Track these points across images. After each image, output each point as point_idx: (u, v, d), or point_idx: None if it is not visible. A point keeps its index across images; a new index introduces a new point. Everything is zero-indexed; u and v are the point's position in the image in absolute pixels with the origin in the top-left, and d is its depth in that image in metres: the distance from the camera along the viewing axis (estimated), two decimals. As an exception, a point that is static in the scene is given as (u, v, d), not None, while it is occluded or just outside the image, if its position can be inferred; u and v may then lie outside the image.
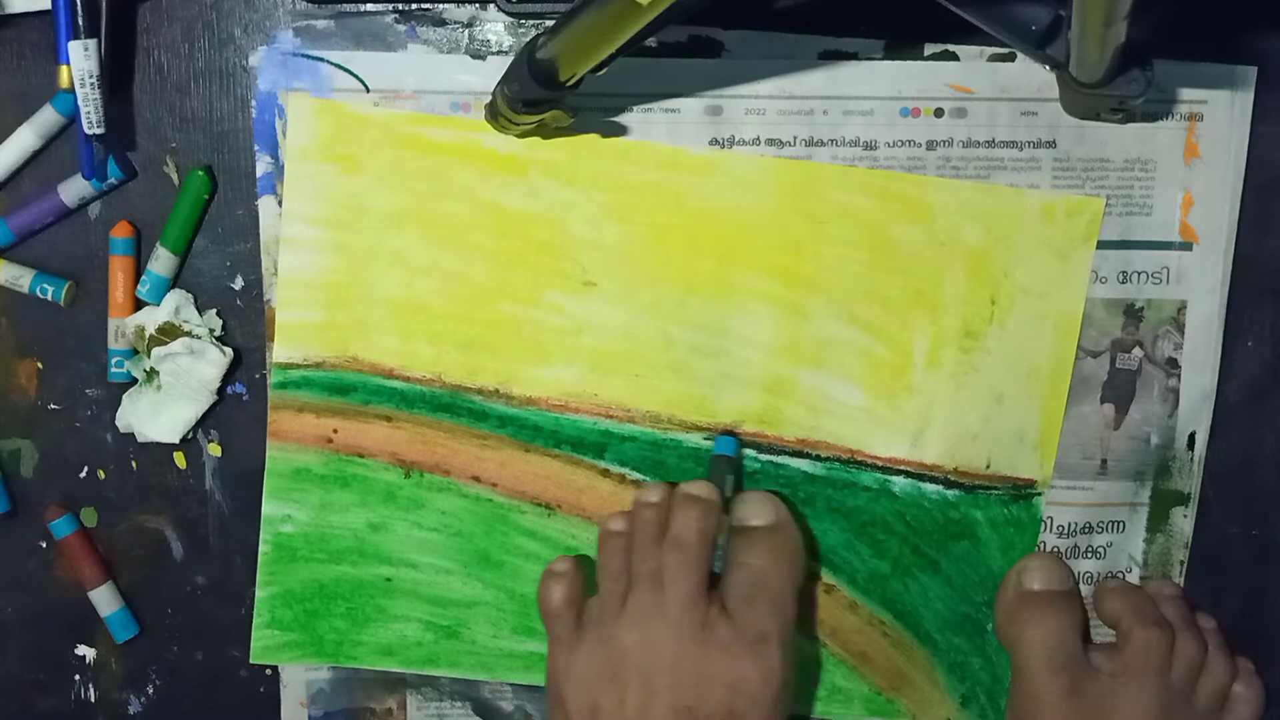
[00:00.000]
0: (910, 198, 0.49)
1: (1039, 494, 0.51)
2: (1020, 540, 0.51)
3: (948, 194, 0.49)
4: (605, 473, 0.51)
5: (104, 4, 0.46)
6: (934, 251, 0.49)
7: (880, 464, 0.51)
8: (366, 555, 0.51)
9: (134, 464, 0.52)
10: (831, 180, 0.49)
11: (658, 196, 0.49)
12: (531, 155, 0.49)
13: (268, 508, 0.51)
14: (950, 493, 0.51)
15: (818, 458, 0.51)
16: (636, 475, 0.51)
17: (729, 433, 0.50)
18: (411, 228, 0.49)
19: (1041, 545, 0.52)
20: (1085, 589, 0.52)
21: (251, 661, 0.53)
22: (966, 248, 0.49)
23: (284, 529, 0.51)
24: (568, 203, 0.49)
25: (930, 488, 0.51)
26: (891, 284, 0.50)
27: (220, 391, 0.51)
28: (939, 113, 0.49)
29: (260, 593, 0.52)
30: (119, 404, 0.51)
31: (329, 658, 0.52)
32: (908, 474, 0.51)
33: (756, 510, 0.49)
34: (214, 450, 0.52)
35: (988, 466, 0.51)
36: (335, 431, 0.50)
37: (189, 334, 0.50)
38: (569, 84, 0.42)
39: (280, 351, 0.50)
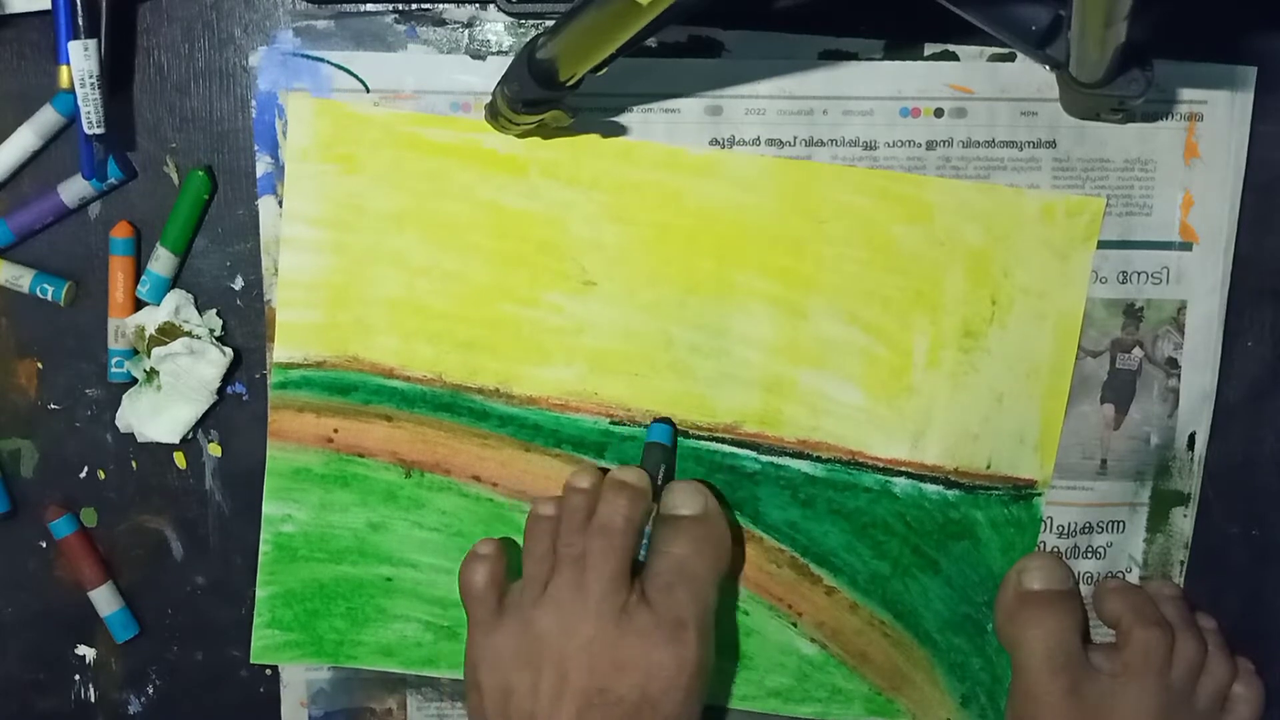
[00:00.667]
0: (910, 198, 0.49)
1: (1039, 494, 0.51)
2: (1020, 540, 0.51)
3: (948, 194, 0.49)
4: (606, 473, 0.51)
5: (104, 4, 0.46)
6: (934, 251, 0.49)
7: (881, 465, 0.51)
8: (367, 555, 0.51)
9: (134, 464, 0.52)
10: (831, 180, 0.49)
11: (658, 196, 0.49)
12: (531, 155, 0.49)
13: (268, 507, 0.51)
14: (950, 493, 0.51)
15: (818, 459, 0.51)
16: (636, 475, 0.51)
17: (664, 420, 0.50)
18: (412, 228, 0.49)
19: (1041, 545, 0.52)
20: (1085, 589, 0.52)
21: (252, 661, 0.53)
22: (966, 248, 0.49)
23: (284, 529, 0.51)
24: (568, 203, 0.49)
25: (930, 488, 0.51)
26: (891, 284, 0.50)
27: (220, 391, 0.51)
28: (939, 113, 0.49)
29: (260, 592, 0.52)
30: (119, 404, 0.51)
31: (329, 658, 0.52)
32: (908, 474, 0.51)
33: (684, 499, 0.49)
34: (214, 450, 0.52)
35: (988, 467, 0.51)
36: (336, 431, 0.50)
37: (189, 334, 0.50)
38: (569, 84, 0.42)
39: (280, 351, 0.50)
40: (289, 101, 0.49)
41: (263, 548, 0.51)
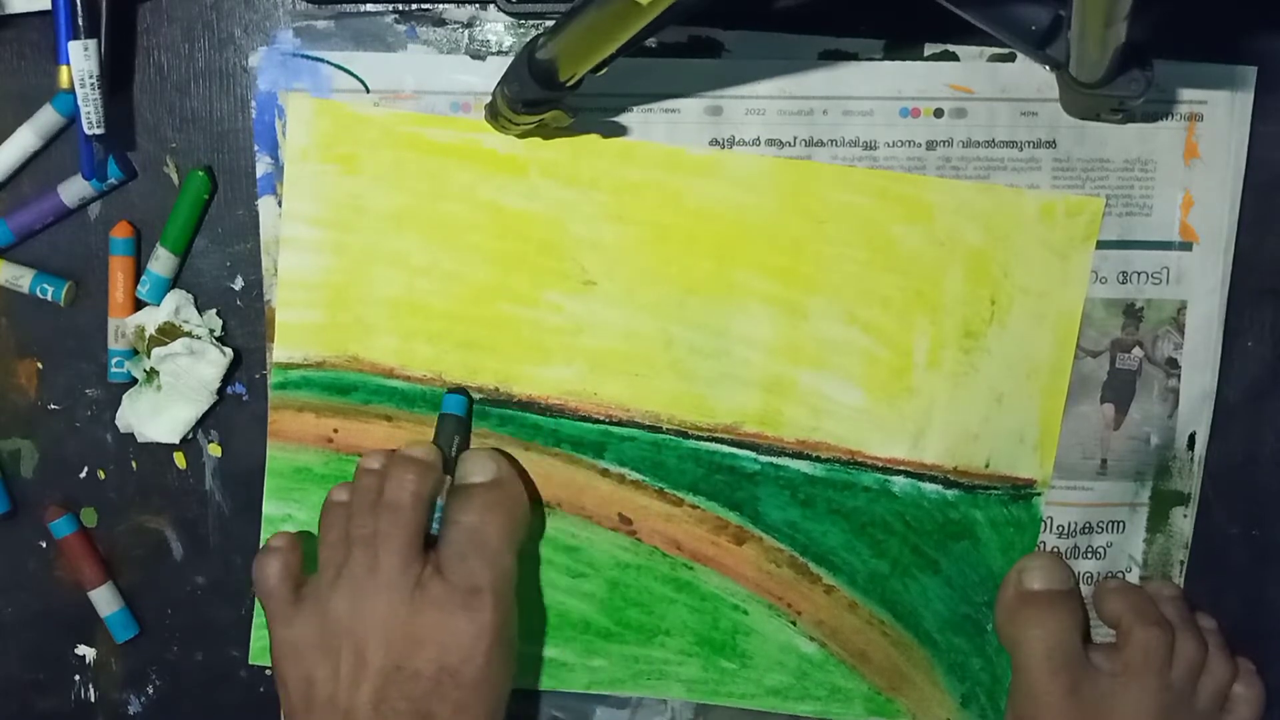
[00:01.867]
0: (910, 198, 0.49)
1: (1039, 494, 0.51)
2: (1020, 540, 0.51)
3: (947, 194, 0.49)
4: (605, 472, 0.51)
5: (104, 4, 0.46)
6: (934, 251, 0.49)
7: (880, 464, 0.51)
8: (366, 555, 0.51)
9: (134, 464, 0.52)
10: (831, 180, 0.49)
11: (658, 196, 0.49)
12: (531, 155, 0.49)
13: (268, 507, 0.51)
14: (950, 493, 0.51)
15: (818, 459, 0.51)
16: (636, 475, 0.51)
17: (459, 390, 0.50)
18: (411, 228, 0.49)
19: (1041, 545, 0.52)
20: (1085, 589, 0.52)
21: (251, 662, 0.53)
22: (966, 248, 0.49)
23: (285, 528, 0.51)
24: (567, 203, 0.49)
25: (930, 488, 0.51)
26: (891, 284, 0.50)
27: (220, 392, 0.51)
28: (939, 113, 0.49)
29: (260, 593, 0.52)
30: (119, 404, 0.51)
31: (329, 658, 0.52)
32: (907, 474, 0.51)
33: (476, 467, 0.48)
34: (214, 450, 0.52)
35: (987, 466, 0.51)
36: (336, 431, 0.50)
37: (189, 334, 0.50)
38: (569, 84, 0.42)
39: (280, 351, 0.50)
40: (288, 101, 0.49)
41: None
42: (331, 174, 0.49)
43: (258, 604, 0.52)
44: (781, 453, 0.51)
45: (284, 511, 0.51)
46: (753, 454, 0.51)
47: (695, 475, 0.51)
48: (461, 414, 0.49)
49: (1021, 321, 0.50)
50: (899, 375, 0.50)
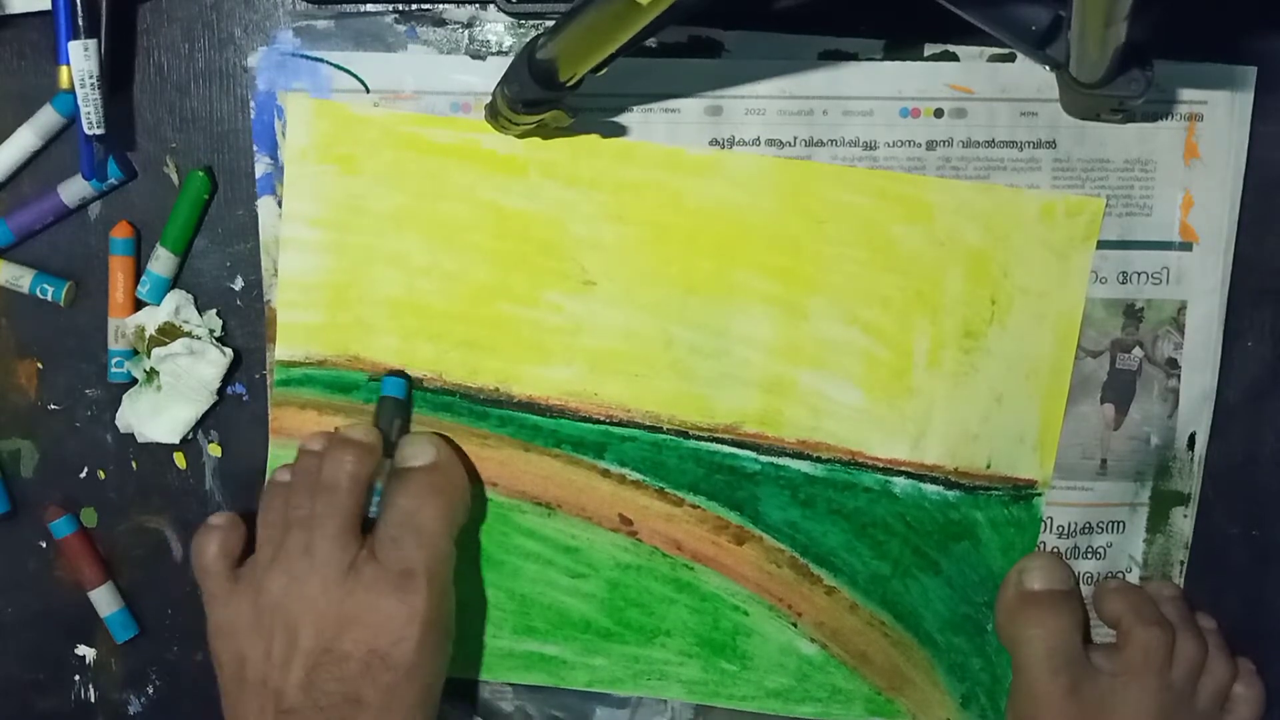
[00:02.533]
0: (910, 198, 0.49)
1: (1039, 494, 0.51)
2: (1020, 540, 0.51)
3: (947, 194, 0.49)
4: (605, 473, 0.51)
5: (104, 4, 0.46)
6: (934, 252, 0.49)
7: (880, 465, 0.51)
8: (366, 555, 0.51)
9: (134, 464, 0.52)
10: (831, 180, 0.49)
11: (657, 196, 0.49)
12: (531, 155, 0.49)
13: (268, 508, 0.51)
14: (951, 493, 0.51)
15: (818, 459, 0.51)
16: (636, 475, 0.51)
17: (397, 373, 0.50)
18: (411, 228, 0.49)
19: (1041, 545, 0.52)
20: (1085, 589, 0.52)
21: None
22: (966, 248, 0.49)
23: (284, 529, 0.51)
24: (567, 203, 0.49)
25: (930, 488, 0.51)
26: (891, 284, 0.50)
27: (220, 392, 0.51)
28: (939, 113, 0.49)
29: (260, 593, 0.52)
30: (119, 404, 0.51)
31: (329, 658, 0.52)
32: (908, 475, 0.51)
33: (415, 451, 0.48)
34: (214, 450, 0.52)
35: (988, 467, 0.51)
36: (337, 430, 0.50)
37: (189, 334, 0.50)
38: (569, 84, 0.42)
39: (281, 351, 0.50)
40: (288, 102, 0.49)
41: (263, 547, 0.51)
42: (331, 174, 0.49)
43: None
44: (782, 453, 0.51)
45: (284, 511, 0.51)
46: (753, 454, 0.51)
47: (696, 475, 0.51)
48: (401, 396, 0.49)
49: (1022, 322, 0.50)
50: (899, 375, 0.50)
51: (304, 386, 0.50)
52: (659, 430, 0.50)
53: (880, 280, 0.50)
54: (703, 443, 0.51)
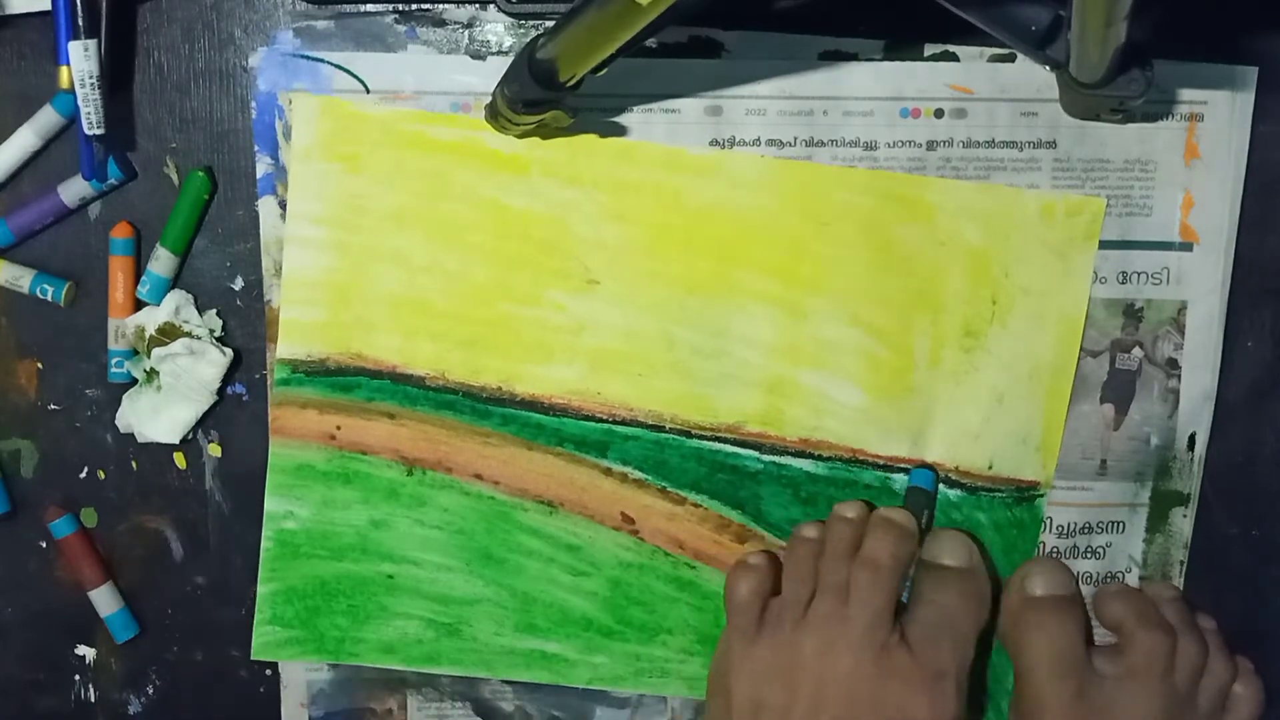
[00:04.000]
0: (910, 198, 0.49)
1: (1041, 495, 0.51)
2: (1021, 541, 0.51)
3: (948, 194, 0.49)
4: (608, 471, 0.51)
5: (104, 4, 0.46)
6: (934, 252, 0.49)
7: (882, 462, 0.51)
8: (368, 552, 0.51)
9: (134, 464, 0.52)
10: (832, 181, 0.49)
11: (658, 196, 0.49)
12: (533, 155, 0.49)
13: (270, 504, 0.51)
14: (953, 493, 0.51)
15: (820, 457, 0.51)
16: (639, 474, 0.51)
17: (927, 466, 0.50)
18: (413, 227, 0.49)
19: (1041, 545, 0.52)
20: (1085, 589, 0.52)
21: (252, 658, 0.52)
22: (967, 248, 0.50)
23: (286, 525, 0.51)
24: (569, 202, 0.49)
25: (931, 487, 0.51)
26: (892, 284, 0.50)
27: (220, 392, 0.51)
28: (939, 113, 0.49)
29: (262, 589, 0.52)
30: (119, 404, 0.51)
31: (330, 655, 0.52)
32: (908, 472, 0.51)
33: (951, 549, 0.49)
34: (214, 450, 0.52)
35: (990, 468, 0.51)
36: (338, 428, 0.50)
37: (189, 334, 0.50)
38: (569, 84, 0.42)
39: (284, 348, 0.50)
40: (293, 100, 0.49)
41: (264, 544, 0.51)
42: (335, 173, 0.49)
43: (259, 600, 0.52)
44: (784, 452, 0.51)
45: (285, 508, 0.51)
46: (755, 453, 0.51)
47: (698, 474, 0.51)
48: (929, 488, 0.50)
49: (1022, 322, 0.50)
50: (900, 375, 0.50)
51: (304, 386, 0.50)
52: (661, 429, 0.50)
53: (881, 280, 0.50)
54: (705, 442, 0.51)
